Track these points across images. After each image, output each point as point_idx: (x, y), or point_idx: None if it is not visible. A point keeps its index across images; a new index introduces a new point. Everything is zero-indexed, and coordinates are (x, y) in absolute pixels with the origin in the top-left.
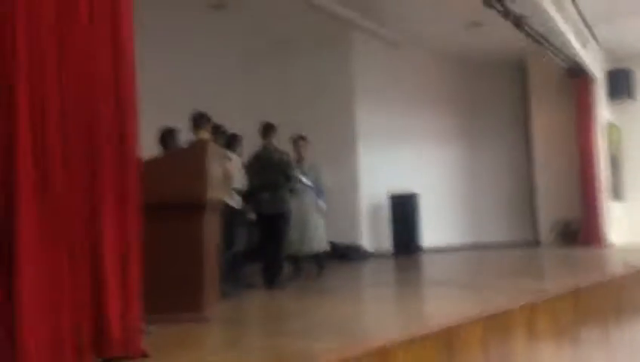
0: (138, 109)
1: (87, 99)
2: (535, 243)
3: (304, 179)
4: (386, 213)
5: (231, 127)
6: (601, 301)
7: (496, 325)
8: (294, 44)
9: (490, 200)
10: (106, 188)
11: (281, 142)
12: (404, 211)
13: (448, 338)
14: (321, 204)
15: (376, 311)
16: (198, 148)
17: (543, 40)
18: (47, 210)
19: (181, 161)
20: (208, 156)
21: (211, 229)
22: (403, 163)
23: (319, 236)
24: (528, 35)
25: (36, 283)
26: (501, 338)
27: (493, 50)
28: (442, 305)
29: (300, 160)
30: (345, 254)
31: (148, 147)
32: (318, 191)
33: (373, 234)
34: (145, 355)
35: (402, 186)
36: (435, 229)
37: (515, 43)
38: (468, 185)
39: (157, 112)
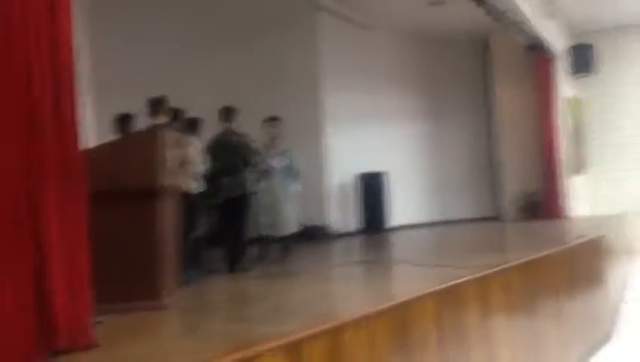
0: (78, 98)
1: (24, 90)
2: (498, 218)
3: (275, 162)
4: (353, 193)
5: (194, 111)
6: (553, 273)
7: (449, 300)
8: (257, 24)
9: (455, 177)
10: (48, 178)
11: (252, 124)
12: (371, 190)
13: (401, 314)
14: (293, 187)
15: (339, 292)
16: (150, 134)
17: (504, 17)
18: None
19: (134, 147)
20: (161, 141)
21: (167, 215)
22: (370, 142)
23: (289, 219)
24: (489, 12)
25: None
26: (454, 312)
27: (457, 28)
28: (404, 283)
29: (272, 143)
30: (313, 234)
31: (106, 133)
32: (291, 174)
33: (341, 213)
34: (94, 346)
35: (369, 166)
36: (403, 207)
37: (478, 21)
38: (434, 163)
39: (116, 99)
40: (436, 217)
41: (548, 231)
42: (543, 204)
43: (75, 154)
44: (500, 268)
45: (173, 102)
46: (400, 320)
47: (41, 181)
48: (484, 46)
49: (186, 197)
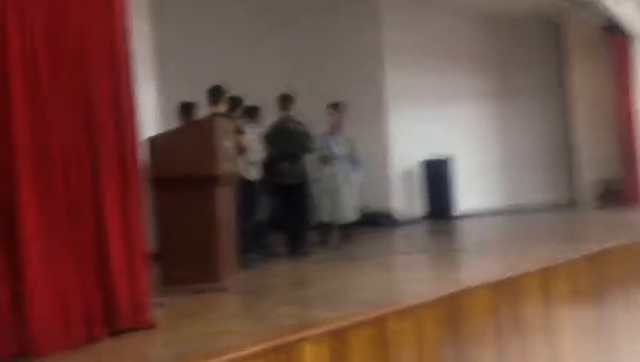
0: (136, 89)
1: (82, 77)
2: (573, 204)
3: (336, 149)
4: (418, 178)
5: (256, 98)
6: (624, 264)
7: (508, 290)
8: (317, 5)
9: (526, 161)
10: (108, 170)
11: (314, 107)
12: (437, 175)
13: (454, 304)
14: (354, 175)
15: (396, 279)
16: (209, 122)
17: None
18: (47, 186)
19: (191, 136)
20: (217, 130)
21: (225, 201)
22: (435, 126)
23: (349, 207)
24: None
25: (41, 258)
26: (514, 303)
27: (526, 6)
28: (462, 272)
29: (332, 129)
30: (376, 220)
31: (169, 120)
32: (353, 162)
33: (405, 199)
34: (153, 326)
35: (435, 150)
36: (470, 193)
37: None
38: (503, 147)
39: (178, 86)
40: (506, 204)
41: (625, 220)
42: (622, 191)
43: (133, 145)
44: (564, 259)
45: (236, 90)
46: (452, 310)
47: (101, 173)
48: (556, 25)
49: (246, 184)
